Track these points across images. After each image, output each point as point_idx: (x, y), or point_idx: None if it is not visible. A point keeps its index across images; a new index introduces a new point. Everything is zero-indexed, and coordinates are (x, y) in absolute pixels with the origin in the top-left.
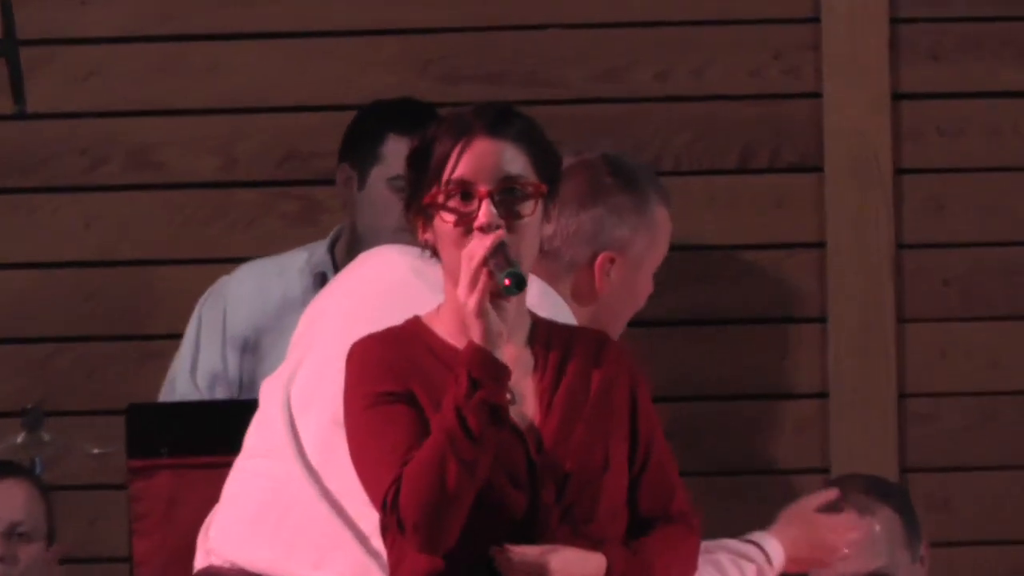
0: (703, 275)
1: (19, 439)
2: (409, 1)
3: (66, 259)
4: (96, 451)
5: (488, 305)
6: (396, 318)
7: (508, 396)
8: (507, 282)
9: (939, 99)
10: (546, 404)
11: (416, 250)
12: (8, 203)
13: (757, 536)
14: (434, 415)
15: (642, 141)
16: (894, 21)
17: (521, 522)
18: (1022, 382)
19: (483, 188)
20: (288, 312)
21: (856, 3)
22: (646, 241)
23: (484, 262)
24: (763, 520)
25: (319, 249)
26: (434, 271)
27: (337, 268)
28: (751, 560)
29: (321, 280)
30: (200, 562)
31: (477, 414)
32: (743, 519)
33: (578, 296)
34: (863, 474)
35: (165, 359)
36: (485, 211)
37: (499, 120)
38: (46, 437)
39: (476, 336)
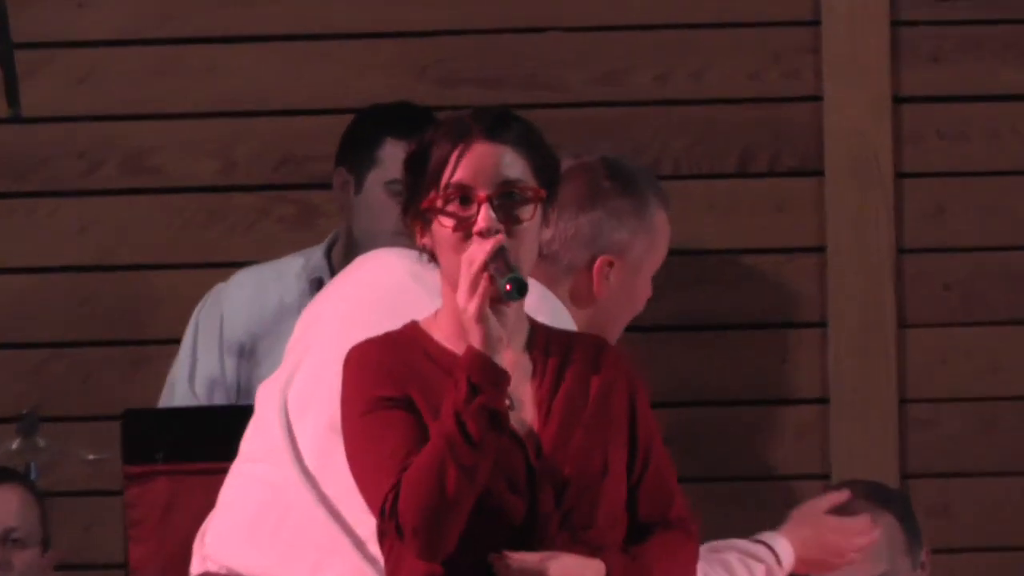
0: (702, 279)
1: (14, 444)
2: (407, 4)
3: (62, 263)
4: (92, 456)
5: (488, 310)
6: (393, 322)
7: (507, 402)
8: (508, 287)
9: (940, 102)
10: (545, 410)
11: (414, 253)
12: (4, 207)
13: (767, 536)
14: (433, 421)
15: (641, 144)
16: (894, 23)
17: (520, 528)
18: (1023, 387)
19: (482, 192)
20: (285, 317)
21: (856, 5)
22: (645, 245)
23: (484, 267)
24: (762, 526)
25: (316, 254)
26: (432, 275)
27: (333, 273)
28: (760, 560)
29: (318, 285)
30: (196, 568)
31: (477, 419)
32: (742, 525)
33: (576, 299)
34: (863, 480)
35: (162, 364)
36: (484, 215)
37: (497, 124)
38: (41, 442)
39: (476, 341)
